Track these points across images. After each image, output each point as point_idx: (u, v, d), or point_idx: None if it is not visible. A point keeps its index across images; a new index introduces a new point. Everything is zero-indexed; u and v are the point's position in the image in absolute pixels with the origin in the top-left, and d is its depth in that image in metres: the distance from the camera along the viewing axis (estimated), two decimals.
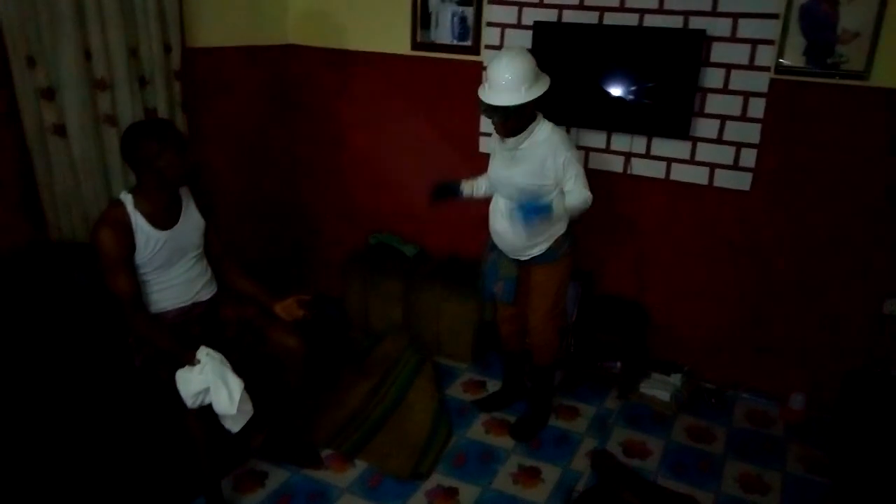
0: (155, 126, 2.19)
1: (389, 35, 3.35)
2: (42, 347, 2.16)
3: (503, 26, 3.10)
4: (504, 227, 2.52)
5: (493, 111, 2.34)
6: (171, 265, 2.22)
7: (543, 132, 2.41)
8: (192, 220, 2.27)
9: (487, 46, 3.16)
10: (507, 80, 2.28)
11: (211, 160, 3.17)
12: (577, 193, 2.40)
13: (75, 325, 2.25)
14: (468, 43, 3.19)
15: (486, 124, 3.25)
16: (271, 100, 3.56)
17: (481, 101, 2.35)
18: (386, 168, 3.61)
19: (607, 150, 3.06)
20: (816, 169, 2.74)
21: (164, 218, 2.17)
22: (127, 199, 2.12)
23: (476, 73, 3.21)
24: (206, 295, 2.36)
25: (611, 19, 2.89)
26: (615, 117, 2.96)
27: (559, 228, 2.54)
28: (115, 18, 2.52)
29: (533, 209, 2.29)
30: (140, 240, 2.11)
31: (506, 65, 2.28)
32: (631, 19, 2.85)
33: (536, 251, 2.54)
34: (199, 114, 3.05)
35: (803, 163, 2.75)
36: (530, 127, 2.40)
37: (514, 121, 2.35)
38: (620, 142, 3.03)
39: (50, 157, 2.43)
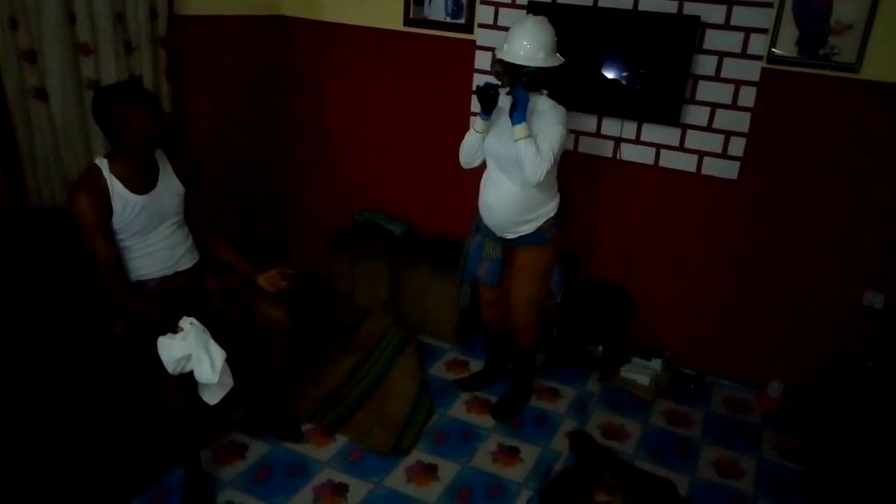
0: (123, 87, 2.14)
1: (382, 10, 3.31)
2: (23, 314, 2.13)
3: (497, 5, 3.07)
4: (497, 200, 2.51)
5: (506, 71, 2.35)
6: (150, 231, 2.20)
7: (545, 103, 2.43)
8: (170, 186, 2.25)
9: (481, 25, 3.13)
10: (529, 42, 2.31)
11: (195, 131, 3.12)
12: (537, 154, 2.30)
13: (57, 292, 2.22)
14: (462, 21, 3.16)
15: (476, 104, 3.23)
16: (259, 71, 3.50)
17: (496, 62, 2.38)
18: (375, 145, 3.58)
19: (597, 135, 3.06)
20: (803, 160, 2.75)
21: (141, 182, 2.14)
22: (103, 163, 2.09)
23: (469, 52, 3.18)
24: (187, 263, 2.33)
25: (606, 2, 2.87)
26: (606, 101, 2.96)
27: (550, 209, 2.54)
28: None
29: (524, 97, 2.28)
30: (117, 204, 2.08)
31: (530, 28, 2.32)
32: (626, 2, 2.83)
33: (525, 229, 2.53)
34: (184, 83, 2.99)
35: (791, 153, 2.76)
36: (534, 98, 2.41)
37: (522, 86, 2.34)
38: (611, 126, 3.02)
39: (31, 121, 2.38)
